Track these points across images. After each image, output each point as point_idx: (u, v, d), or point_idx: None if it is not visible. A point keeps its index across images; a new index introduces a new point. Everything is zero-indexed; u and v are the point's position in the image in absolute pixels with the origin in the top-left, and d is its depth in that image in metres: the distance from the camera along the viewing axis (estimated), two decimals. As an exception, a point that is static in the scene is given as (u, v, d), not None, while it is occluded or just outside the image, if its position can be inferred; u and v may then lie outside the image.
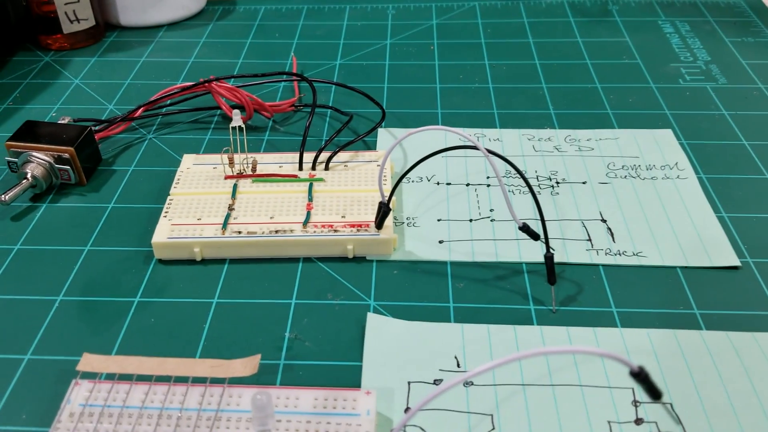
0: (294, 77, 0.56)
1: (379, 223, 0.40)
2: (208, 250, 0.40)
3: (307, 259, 0.41)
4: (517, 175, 0.42)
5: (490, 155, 0.36)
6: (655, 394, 0.23)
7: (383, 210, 0.40)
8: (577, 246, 0.41)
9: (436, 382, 0.33)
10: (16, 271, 0.40)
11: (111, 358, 0.33)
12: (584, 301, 0.38)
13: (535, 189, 0.44)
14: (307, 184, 0.44)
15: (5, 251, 0.42)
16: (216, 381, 0.32)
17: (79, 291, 0.39)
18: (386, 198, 0.39)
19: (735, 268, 0.39)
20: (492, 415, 0.32)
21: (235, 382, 0.32)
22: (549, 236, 0.39)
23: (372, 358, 0.34)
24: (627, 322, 0.36)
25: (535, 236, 0.38)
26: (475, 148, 0.36)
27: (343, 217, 0.41)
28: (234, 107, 0.51)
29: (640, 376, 0.23)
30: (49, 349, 0.36)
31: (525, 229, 0.38)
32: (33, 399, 0.33)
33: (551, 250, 0.37)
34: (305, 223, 0.41)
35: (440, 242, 0.41)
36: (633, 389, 0.33)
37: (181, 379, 0.32)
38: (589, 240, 0.41)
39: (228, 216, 0.41)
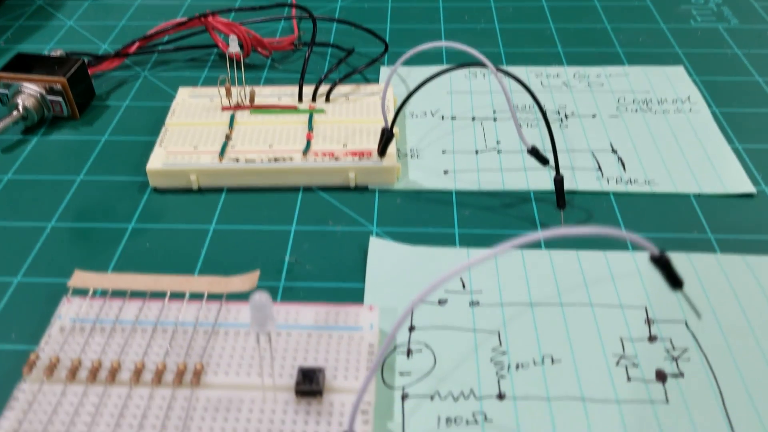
0: (295, 8, 0.54)
1: (382, 150, 0.39)
2: (205, 178, 0.39)
3: (308, 189, 0.39)
4: (524, 110, 0.41)
5: (498, 72, 0.35)
6: (675, 281, 0.22)
7: (386, 136, 0.38)
8: (587, 175, 0.39)
9: (441, 302, 0.32)
10: (6, 200, 0.39)
11: (103, 275, 0.32)
12: (594, 225, 0.36)
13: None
14: (307, 114, 0.42)
15: (-5, 180, 0.40)
16: (213, 298, 0.31)
17: (72, 218, 0.38)
18: (389, 123, 0.38)
19: (750, 195, 0.38)
20: (498, 332, 0.30)
21: (233, 299, 0.31)
22: (559, 168, 0.37)
23: (375, 280, 0.33)
24: (639, 246, 0.35)
25: (544, 160, 0.37)
26: (482, 65, 0.35)
27: (344, 145, 0.40)
28: (232, 43, 0.49)
29: (662, 260, 0.22)
30: (40, 272, 0.35)
31: (534, 152, 0.36)
32: (22, 319, 0.32)
33: (560, 174, 0.36)
34: (305, 151, 0.39)
35: (445, 172, 0.40)
36: (646, 308, 0.31)
37: (177, 296, 0.31)
38: (599, 169, 0.40)
39: (225, 144, 0.40)
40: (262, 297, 0.24)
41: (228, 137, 0.41)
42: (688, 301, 0.25)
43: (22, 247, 0.36)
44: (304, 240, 0.36)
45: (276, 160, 0.39)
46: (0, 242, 0.36)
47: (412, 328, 0.31)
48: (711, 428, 0.26)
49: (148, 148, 0.42)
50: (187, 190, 0.39)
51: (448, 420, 0.27)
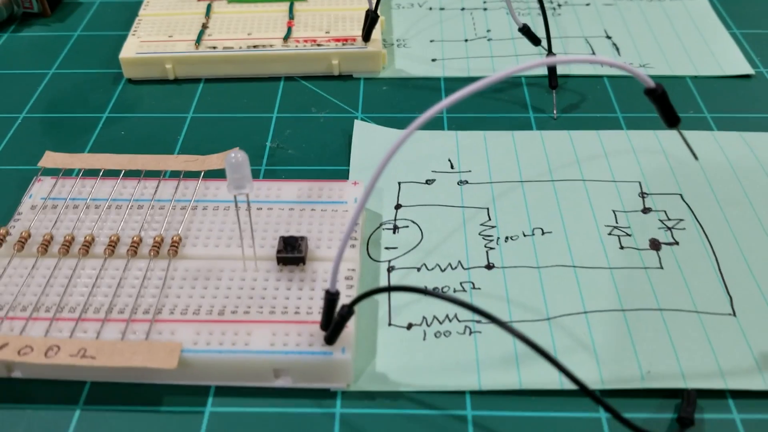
0: None
1: (366, 35, 0.37)
2: (181, 68, 0.37)
3: (289, 78, 0.38)
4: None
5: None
6: (672, 118, 0.21)
7: (370, 17, 0.36)
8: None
9: (429, 182, 0.31)
10: (-26, 91, 0.37)
11: (75, 156, 0.30)
12: (587, 108, 0.35)
13: (535, 11, 0.41)
14: (288, 3, 0.40)
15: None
16: (190, 176, 0.29)
17: (43, 109, 0.36)
18: (373, 4, 0.36)
19: (747, 76, 0.37)
20: (488, 208, 0.29)
21: (211, 176, 0.29)
22: (551, 47, 0.36)
23: (359, 161, 0.32)
24: (633, 125, 0.34)
25: (536, 40, 0.35)
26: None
27: (327, 32, 0.38)
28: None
29: (657, 92, 0.20)
30: (11, 160, 0.33)
31: (525, 30, 0.35)
32: (-7, 204, 0.31)
33: (553, 53, 0.34)
34: (286, 37, 0.38)
35: (433, 60, 0.39)
36: (640, 182, 0.30)
37: (153, 175, 0.29)
38: (593, 54, 0.38)
39: (202, 32, 0.38)
40: (238, 155, 0.23)
41: (205, 26, 0.39)
42: (684, 140, 0.24)
43: (-9, 137, 0.34)
44: (287, 127, 0.35)
45: (255, 47, 0.37)
46: (-32, 132, 0.35)
47: (398, 206, 0.30)
48: (706, 290, 0.26)
49: (121, 41, 0.40)
50: (163, 81, 0.38)
51: (434, 289, 0.26)
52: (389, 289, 0.25)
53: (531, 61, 0.19)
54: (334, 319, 0.22)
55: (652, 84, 0.20)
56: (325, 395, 0.23)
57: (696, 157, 0.28)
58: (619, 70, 0.36)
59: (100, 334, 0.23)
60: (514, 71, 0.19)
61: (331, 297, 0.22)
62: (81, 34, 0.42)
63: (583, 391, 0.19)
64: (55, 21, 0.43)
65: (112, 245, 0.26)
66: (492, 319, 0.19)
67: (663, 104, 0.21)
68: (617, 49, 0.39)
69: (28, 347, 0.23)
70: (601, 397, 0.20)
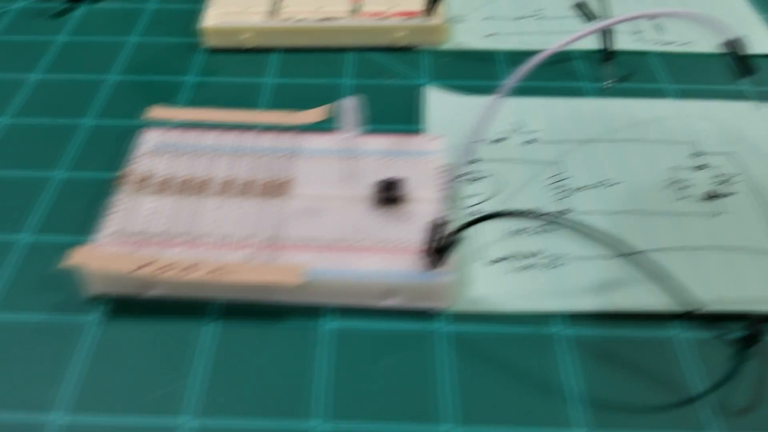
0: None
1: (430, 9, 0.40)
2: (257, 37, 0.40)
3: (356, 49, 0.41)
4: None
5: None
6: (747, 69, 0.24)
7: (436, -7, 0.39)
8: (626, 37, 0.41)
9: (499, 140, 0.34)
10: (62, 60, 0.40)
11: (179, 110, 0.33)
12: (636, 79, 0.38)
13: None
14: (354, -20, 0.43)
15: (47, 43, 0.41)
16: (285, 130, 0.32)
17: (130, 74, 0.39)
18: (439, -18, 0.39)
19: (782, 55, 0.40)
20: (557, 163, 0.32)
21: (305, 129, 0.32)
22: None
23: (434, 124, 0.35)
24: (682, 96, 0.37)
25: (590, 15, 0.38)
26: None
27: (392, 6, 0.41)
28: None
29: (735, 43, 0.23)
30: (108, 115, 0.36)
31: (581, 5, 0.38)
32: (98, 153, 0.33)
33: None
34: (354, 11, 0.40)
35: (489, 35, 0.41)
36: (694, 143, 0.33)
37: (249, 130, 0.32)
38: (639, 32, 0.41)
39: (276, 4, 0.41)
40: (351, 100, 0.26)
41: None
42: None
43: (83, 97, 0.37)
44: (358, 92, 0.37)
45: (325, 19, 0.40)
46: (66, 94, 0.37)
47: (473, 161, 0.33)
48: (759, 234, 0.29)
49: (193, 13, 0.42)
50: (239, 50, 0.40)
51: (517, 231, 0.29)
52: (494, 215, 0.26)
53: (609, 20, 0.22)
54: (441, 245, 0.25)
55: (730, 36, 0.23)
56: (428, 315, 0.26)
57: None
58: (664, 45, 0.40)
59: (230, 256, 0.26)
60: (592, 30, 0.22)
61: (437, 224, 0.25)
62: (157, 7, 0.44)
63: (678, 316, 0.22)
64: (127, -5, 0.46)
65: (227, 185, 0.29)
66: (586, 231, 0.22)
67: (739, 58, 0.23)
68: (660, 27, 0.42)
69: (167, 266, 0.25)
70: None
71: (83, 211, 0.30)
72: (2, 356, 0.24)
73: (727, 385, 0.24)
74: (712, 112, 0.35)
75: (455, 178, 0.23)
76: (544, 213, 0.27)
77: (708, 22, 0.23)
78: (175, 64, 0.39)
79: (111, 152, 0.33)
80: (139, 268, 0.25)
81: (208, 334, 0.25)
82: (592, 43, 0.40)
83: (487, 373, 0.24)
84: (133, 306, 0.26)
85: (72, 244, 0.26)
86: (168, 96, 0.37)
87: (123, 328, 0.26)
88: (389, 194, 0.28)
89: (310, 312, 0.26)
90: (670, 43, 0.41)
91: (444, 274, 0.26)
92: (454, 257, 0.27)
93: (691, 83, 0.38)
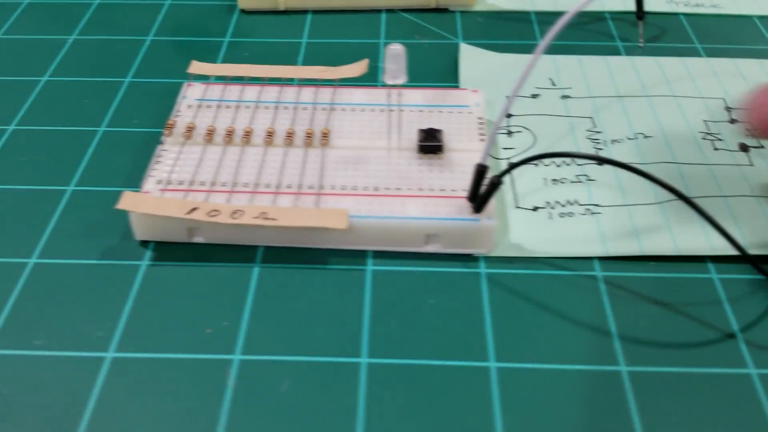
0: None
1: (464, -29, 0.40)
2: (291, -1, 0.41)
3: (390, 10, 0.41)
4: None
5: None
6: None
7: (469, -46, 0.40)
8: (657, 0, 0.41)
9: (534, 96, 0.34)
10: (99, 21, 0.41)
11: (219, 66, 0.34)
12: (668, 39, 0.38)
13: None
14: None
15: (86, 5, 0.42)
16: (324, 84, 0.33)
17: (168, 34, 0.40)
18: (472, -57, 0.39)
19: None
20: (591, 117, 0.33)
21: (344, 84, 0.33)
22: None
23: (468, 80, 0.35)
24: (712, 54, 0.37)
25: (623, -25, 0.39)
26: None
27: (424, -31, 0.41)
28: None
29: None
30: (148, 74, 0.36)
31: (614, -34, 0.38)
32: (141, 109, 0.34)
33: (639, -13, 0.38)
34: (388, -27, 0.41)
35: (521, -3, 0.42)
36: (724, 98, 0.34)
37: (290, 84, 0.33)
38: (669, -6, 0.41)
39: (310, -33, 0.41)
40: (398, 47, 0.26)
41: (312, -38, 0.42)
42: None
43: (125, 56, 0.38)
44: (394, 51, 0.38)
45: (360, -19, 0.40)
46: (106, 53, 0.38)
47: (509, 116, 0.33)
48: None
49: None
50: (274, 12, 0.41)
51: (554, 180, 0.30)
52: (542, 156, 0.26)
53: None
54: (485, 189, 0.26)
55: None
56: (469, 259, 0.27)
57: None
58: (694, 7, 0.40)
59: (275, 202, 0.27)
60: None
61: (481, 169, 0.26)
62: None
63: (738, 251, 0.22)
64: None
65: (270, 136, 0.30)
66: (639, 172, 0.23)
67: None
68: (691, -10, 0.42)
69: (215, 210, 0.26)
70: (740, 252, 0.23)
71: (130, 163, 0.31)
72: (57, 298, 0.25)
73: (765, 321, 0.24)
74: (742, 70, 0.36)
75: (494, 131, 0.24)
76: (584, 153, 0.27)
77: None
78: (211, 25, 0.40)
79: (154, 108, 0.34)
80: (188, 213, 0.26)
81: (253, 277, 0.26)
82: (624, 5, 0.40)
83: (525, 314, 0.25)
84: (181, 250, 0.27)
85: (119, 192, 0.27)
86: (206, 54, 0.38)
87: (172, 270, 0.26)
88: (431, 143, 0.29)
89: (354, 255, 0.27)
90: (700, 5, 0.41)
91: (485, 219, 0.26)
92: (495, 203, 0.27)
93: (720, 43, 0.38)
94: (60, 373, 0.23)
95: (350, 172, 0.28)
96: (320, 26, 0.40)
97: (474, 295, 0.26)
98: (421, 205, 0.27)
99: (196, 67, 0.33)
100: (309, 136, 0.30)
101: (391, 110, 0.31)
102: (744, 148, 0.31)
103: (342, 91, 0.32)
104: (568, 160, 0.31)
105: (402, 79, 0.27)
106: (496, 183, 0.25)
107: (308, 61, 0.37)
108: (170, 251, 0.27)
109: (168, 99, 0.33)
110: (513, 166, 0.25)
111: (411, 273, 0.26)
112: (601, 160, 0.24)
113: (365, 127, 0.30)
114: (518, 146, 0.32)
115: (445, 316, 0.25)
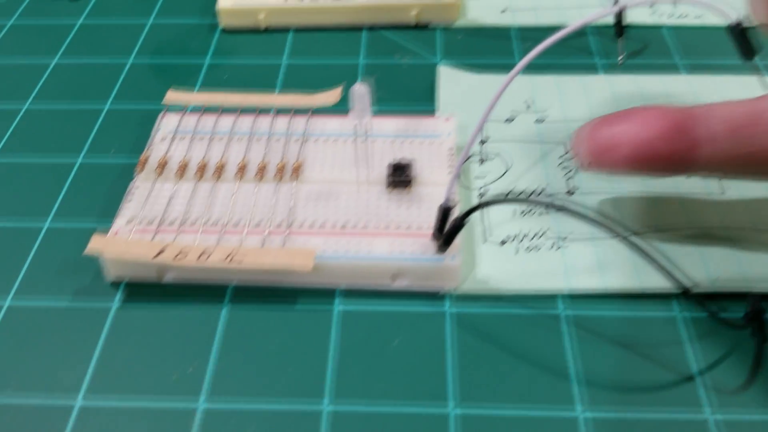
0: None
1: (444, -13, 0.40)
2: (273, 16, 0.41)
3: (371, 27, 0.41)
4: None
5: None
6: (750, 51, 0.24)
7: (448, -30, 0.39)
8: (640, 10, 0.41)
9: (508, 120, 0.34)
10: (80, 42, 0.41)
11: (195, 94, 0.34)
12: (649, 55, 0.38)
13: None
14: (366, -43, 0.43)
15: (65, 27, 0.42)
16: (299, 112, 0.33)
17: (149, 55, 0.40)
18: (451, -41, 0.39)
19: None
20: (565, 143, 0.33)
21: (318, 113, 0.33)
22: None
23: (446, 103, 0.35)
24: (693, 71, 0.37)
25: (604, -9, 0.38)
26: None
27: (405, -16, 0.41)
28: None
29: (737, 29, 0.23)
30: (128, 99, 0.37)
31: (594, -18, 0.38)
32: (119, 137, 0.34)
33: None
34: (368, -11, 0.41)
35: (503, 11, 0.42)
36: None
37: (266, 112, 0.33)
38: (651, 6, 0.41)
39: (290, -16, 0.41)
40: (362, 87, 0.26)
41: (292, -22, 0.42)
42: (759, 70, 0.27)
43: (106, 81, 0.38)
44: (373, 72, 0.38)
45: (340, -2, 0.40)
46: (84, 77, 0.38)
47: (483, 141, 0.33)
48: (762, 213, 0.29)
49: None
50: (255, 30, 0.41)
51: (522, 213, 0.30)
52: (502, 201, 0.28)
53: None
54: (447, 229, 0.26)
55: (734, 20, 0.24)
56: (435, 297, 0.27)
57: None
58: (678, 18, 0.40)
59: (243, 242, 0.27)
60: (607, 12, 0.22)
61: (446, 209, 0.26)
62: (172, -13, 0.45)
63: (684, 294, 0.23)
64: (145, -25, 0.46)
65: (242, 170, 0.30)
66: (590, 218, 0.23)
67: (742, 39, 0.24)
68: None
69: (182, 253, 0.26)
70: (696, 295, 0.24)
71: (105, 196, 0.31)
72: (26, 341, 0.26)
73: (724, 363, 0.25)
74: (722, 87, 0.35)
75: (465, 158, 0.24)
76: (539, 199, 0.28)
77: (714, 7, 0.23)
78: (192, 45, 0.40)
79: (131, 136, 0.34)
80: (155, 256, 0.26)
81: (222, 318, 0.27)
82: (604, 18, 0.40)
83: (487, 355, 0.25)
84: (151, 290, 0.28)
85: (92, 229, 0.28)
86: (186, 77, 0.38)
87: (141, 312, 0.27)
88: (400, 177, 0.29)
89: (322, 294, 0.27)
90: (684, 16, 0.40)
91: (448, 259, 0.26)
92: (462, 239, 0.27)
93: (703, 58, 0.38)
94: (30, 423, 0.24)
95: (320, 209, 0.29)
96: (301, 44, 0.40)
97: (437, 335, 0.26)
98: (387, 243, 0.27)
99: (172, 96, 0.34)
100: (280, 170, 0.30)
101: (363, 141, 0.31)
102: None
103: (316, 121, 0.33)
104: (537, 190, 0.31)
105: (367, 118, 0.27)
106: (458, 225, 0.26)
107: (288, 83, 0.37)
108: (141, 291, 0.28)
109: (146, 126, 0.34)
110: (473, 209, 0.25)
111: (377, 312, 0.27)
112: (556, 207, 0.24)
113: (337, 159, 0.31)
114: (490, 175, 0.32)
115: (408, 357, 0.25)
